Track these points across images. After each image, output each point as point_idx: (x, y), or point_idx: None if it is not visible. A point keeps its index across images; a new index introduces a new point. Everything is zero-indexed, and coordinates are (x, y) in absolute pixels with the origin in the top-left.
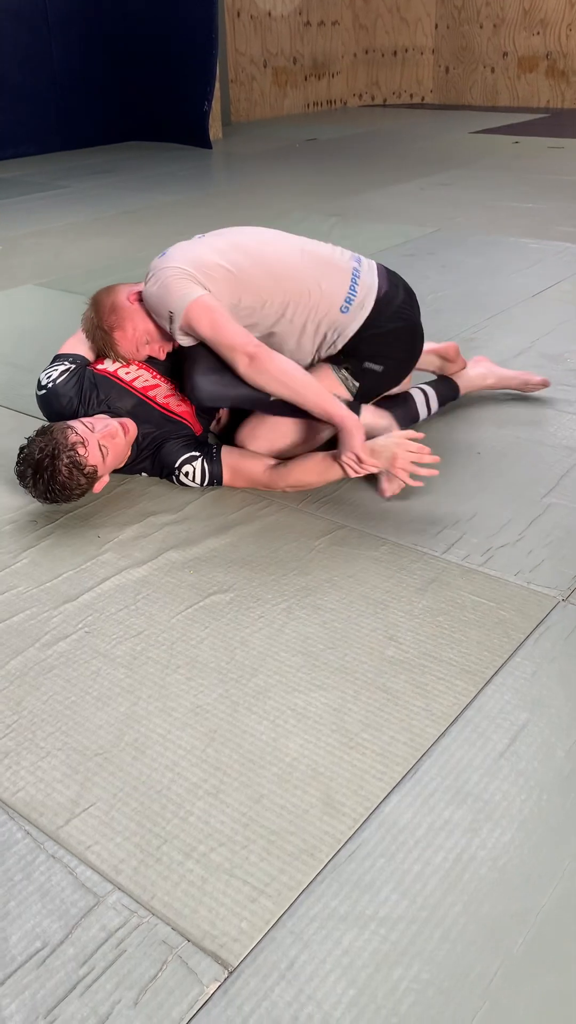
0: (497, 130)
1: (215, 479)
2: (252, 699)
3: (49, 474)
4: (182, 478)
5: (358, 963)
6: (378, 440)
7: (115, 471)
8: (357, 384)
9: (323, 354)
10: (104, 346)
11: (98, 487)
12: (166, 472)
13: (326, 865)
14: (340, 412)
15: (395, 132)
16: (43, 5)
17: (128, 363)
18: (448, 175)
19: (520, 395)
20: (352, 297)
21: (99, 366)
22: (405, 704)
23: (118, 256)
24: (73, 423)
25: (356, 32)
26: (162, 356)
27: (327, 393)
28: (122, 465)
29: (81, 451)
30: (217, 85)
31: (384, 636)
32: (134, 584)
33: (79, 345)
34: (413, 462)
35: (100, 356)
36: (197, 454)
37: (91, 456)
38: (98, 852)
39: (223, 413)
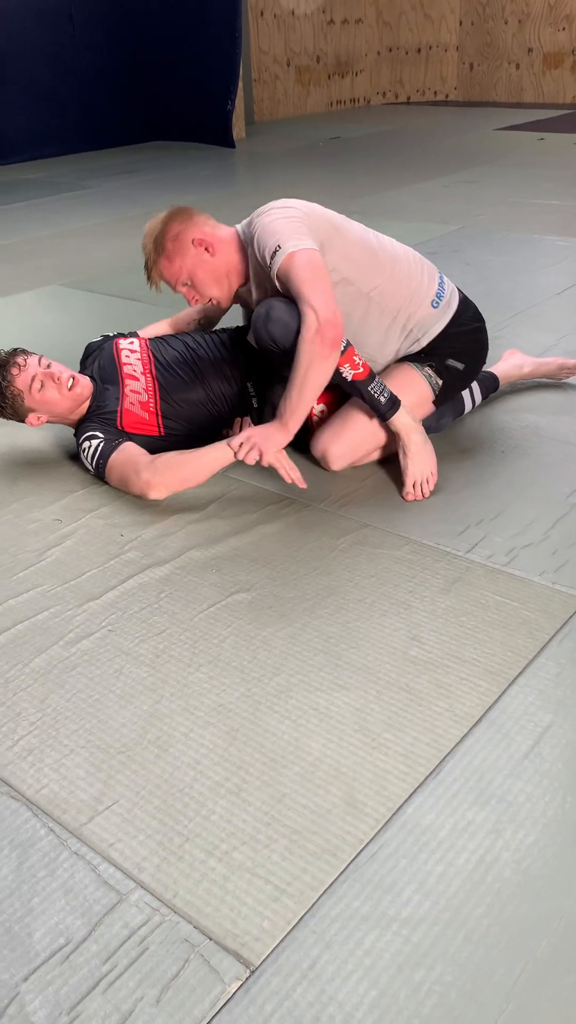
0: (522, 127)
1: (100, 468)
2: (274, 698)
3: None
4: (81, 453)
5: (380, 964)
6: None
7: (67, 426)
8: (440, 382)
9: (404, 351)
10: (149, 259)
11: (32, 420)
12: (77, 442)
13: (348, 865)
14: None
15: (419, 130)
16: (68, 6)
17: (138, 349)
18: (472, 172)
19: (551, 385)
20: (441, 294)
21: (119, 340)
22: (428, 704)
23: (142, 257)
24: (35, 355)
25: (380, 30)
26: (192, 303)
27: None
28: (66, 418)
29: (13, 371)
30: (240, 84)
31: (407, 636)
32: (157, 583)
33: (158, 326)
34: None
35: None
36: (100, 435)
37: (20, 380)
38: (121, 850)
39: (243, 421)
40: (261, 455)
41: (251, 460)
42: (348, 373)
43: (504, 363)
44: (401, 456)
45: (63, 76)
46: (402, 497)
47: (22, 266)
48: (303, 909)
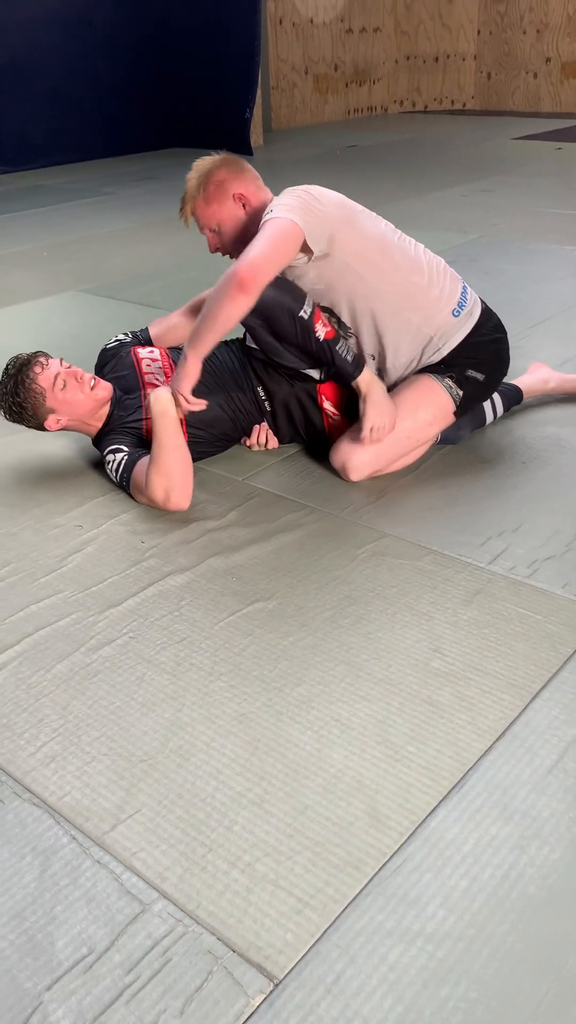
0: (539, 136)
1: (125, 479)
2: (296, 708)
3: (2, 381)
4: (106, 466)
5: (405, 980)
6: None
7: (86, 435)
8: (461, 393)
9: (424, 360)
10: (187, 192)
11: (51, 424)
12: (102, 454)
13: (372, 879)
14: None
15: (436, 138)
16: (89, 14)
17: (159, 357)
18: (490, 181)
19: (573, 397)
20: (464, 303)
21: (138, 349)
22: (451, 717)
23: (162, 263)
24: (53, 357)
25: (398, 38)
26: (212, 250)
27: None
28: (85, 423)
29: (36, 369)
30: (258, 92)
31: (429, 648)
32: (177, 590)
33: (159, 323)
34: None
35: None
36: (125, 449)
37: (42, 378)
38: (144, 859)
39: (259, 428)
40: (176, 396)
41: (171, 408)
42: (321, 332)
43: (529, 376)
44: (362, 405)
45: (84, 83)
46: (359, 441)
47: (42, 271)
48: (327, 922)
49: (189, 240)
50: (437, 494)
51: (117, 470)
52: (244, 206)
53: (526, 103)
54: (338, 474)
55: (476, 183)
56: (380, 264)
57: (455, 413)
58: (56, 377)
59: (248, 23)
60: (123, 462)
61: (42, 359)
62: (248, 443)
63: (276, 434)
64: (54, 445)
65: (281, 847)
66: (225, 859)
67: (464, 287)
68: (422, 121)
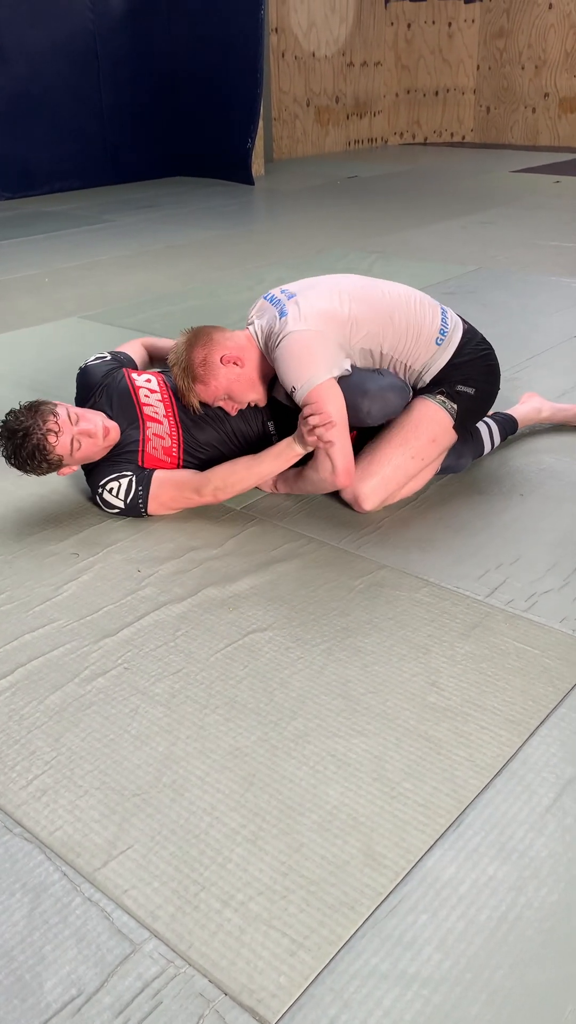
0: (538, 169)
1: (140, 498)
2: (291, 743)
3: (14, 446)
4: (105, 495)
5: None
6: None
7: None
8: (456, 407)
9: (411, 383)
10: (183, 388)
11: (65, 472)
12: (92, 490)
13: (367, 919)
14: (284, 452)
15: (436, 170)
16: (93, 44)
17: (158, 388)
18: (489, 214)
19: (572, 430)
20: (445, 330)
21: (132, 375)
22: (448, 753)
23: (162, 290)
24: (61, 409)
25: (398, 72)
26: (233, 412)
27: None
28: (93, 461)
29: (51, 439)
30: (260, 123)
31: (426, 682)
32: (173, 620)
33: (134, 348)
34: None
35: (176, 391)
36: (129, 472)
37: (59, 447)
38: (135, 897)
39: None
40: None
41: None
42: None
43: (523, 406)
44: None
45: (88, 112)
46: (364, 470)
47: (43, 297)
48: (320, 965)
49: (189, 268)
50: (435, 525)
51: (127, 493)
52: (236, 363)
53: (525, 137)
54: (349, 506)
55: (475, 215)
56: (379, 333)
57: (455, 428)
58: (72, 442)
59: (251, 56)
60: (131, 484)
61: (51, 424)
62: None
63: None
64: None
65: (275, 886)
66: (218, 898)
67: (443, 313)
68: (422, 153)
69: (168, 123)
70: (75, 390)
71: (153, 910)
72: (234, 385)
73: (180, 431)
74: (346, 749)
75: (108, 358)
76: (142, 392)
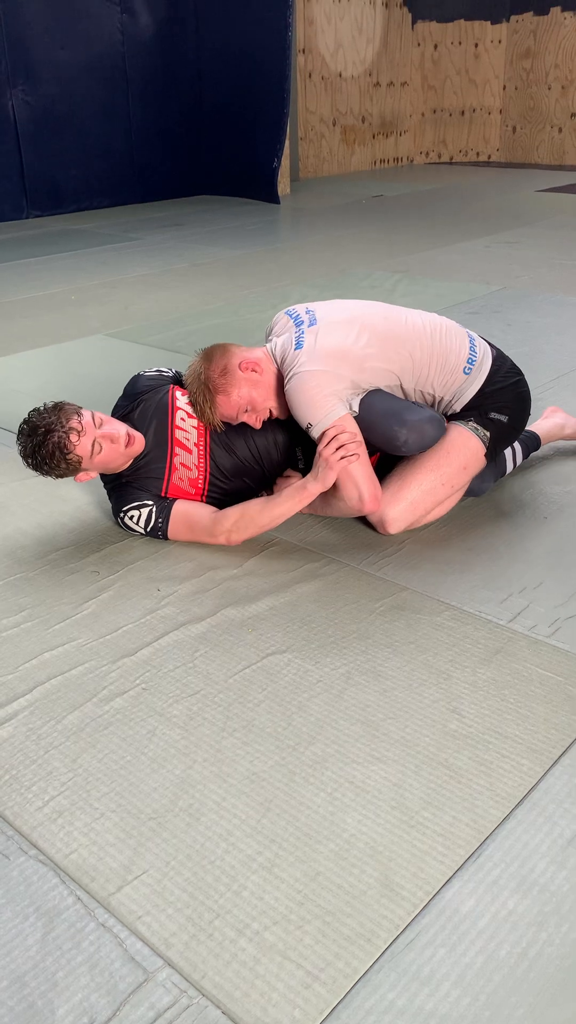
0: (564, 188)
1: (159, 529)
2: (309, 769)
3: (35, 444)
4: (127, 520)
5: None
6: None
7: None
8: (488, 434)
9: (441, 411)
10: (203, 403)
11: (82, 477)
12: (114, 511)
13: (383, 952)
14: (304, 490)
15: (461, 190)
16: (123, 65)
17: (199, 423)
18: (514, 233)
19: None
20: (473, 359)
21: (176, 392)
22: (468, 782)
23: (187, 308)
24: (85, 411)
25: (425, 93)
26: (257, 426)
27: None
28: (113, 472)
29: (73, 438)
30: (287, 142)
31: (446, 708)
32: (192, 640)
33: None
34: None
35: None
36: (150, 503)
37: (80, 447)
38: (149, 923)
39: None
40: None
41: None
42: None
43: (545, 422)
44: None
45: (116, 131)
46: (393, 494)
47: (68, 315)
48: (336, 998)
49: (213, 287)
50: (457, 548)
51: (147, 523)
52: (254, 370)
53: (551, 156)
54: (370, 527)
55: (500, 234)
56: (398, 369)
57: (485, 455)
58: (93, 444)
59: (278, 76)
60: (152, 515)
61: (75, 423)
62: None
63: None
64: (73, 490)
65: (291, 915)
66: (233, 926)
67: (472, 341)
68: (447, 173)
69: (195, 142)
70: (97, 406)
71: (167, 937)
72: (254, 392)
73: (208, 461)
74: (364, 776)
75: (167, 372)
76: (179, 415)
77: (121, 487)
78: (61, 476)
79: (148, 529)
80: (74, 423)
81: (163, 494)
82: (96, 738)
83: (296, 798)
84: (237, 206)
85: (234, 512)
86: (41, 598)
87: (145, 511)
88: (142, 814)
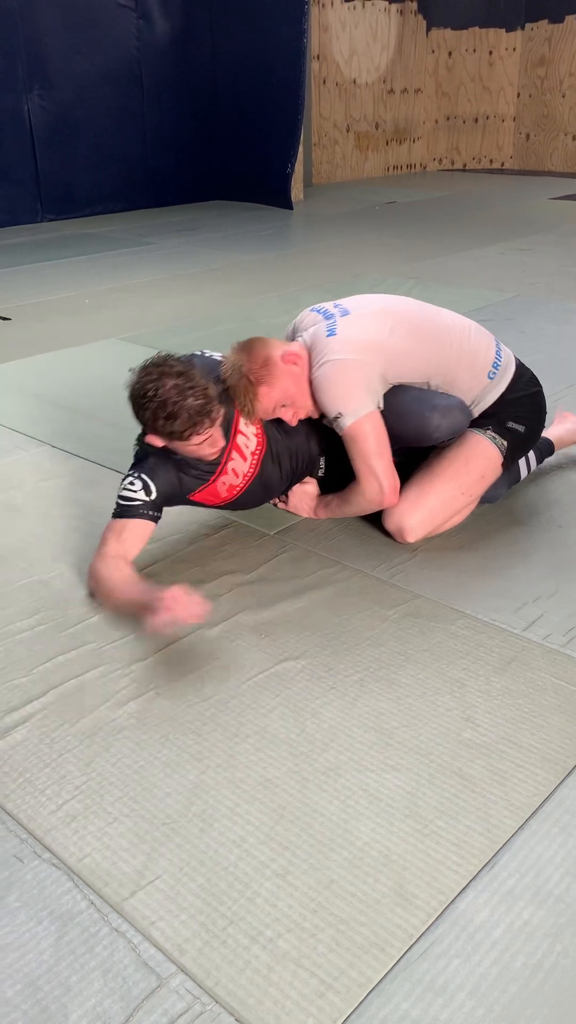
0: None
1: (122, 510)
2: (323, 776)
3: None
4: (127, 483)
5: None
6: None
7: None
8: (505, 443)
9: None
10: (244, 395)
11: (156, 441)
12: (131, 467)
13: (398, 962)
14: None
15: (474, 196)
16: (138, 70)
17: (259, 430)
18: (528, 240)
19: None
20: (497, 364)
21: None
22: (482, 792)
23: (200, 313)
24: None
25: (438, 100)
26: (293, 422)
27: None
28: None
29: (209, 422)
30: (300, 148)
31: (461, 717)
32: (205, 646)
33: None
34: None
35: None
36: (149, 499)
37: (263, 405)
38: (162, 929)
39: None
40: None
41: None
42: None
43: (558, 427)
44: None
45: (130, 136)
46: (411, 502)
47: (82, 319)
48: (349, 1008)
49: (227, 291)
50: (471, 556)
51: (129, 500)
52: (295, 363)
53: (564, 164)
54: (384, 533)
55: (514, 241)
56: (425, 361)
57: (503, 464)
58: (207, 440)
59: (293, 82)
60: (139, 505)
61: (214, 413)
62: (279, 504)
63: (323, 492)
64: (86, 494)
65: (304, 923)
66: (246, 933)
67: (498, 347)
68: (460, 179)
69: (209, 147)
70: (111, 411)
71: (180, 943)
72: (294, 386)
73: (255, 475)
74: (378, 784)
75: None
76: (242, 420)
77: (162, 458)
78: (163, 424)
79: (122, 499)
80: (213, 413)
81: (194, 495)
82: (109, 742)
83: (310, 805)
84: (250, 211)
85: (116, 572)
86: (55, 601)
87: (141, 493)
88: (155, 819)
